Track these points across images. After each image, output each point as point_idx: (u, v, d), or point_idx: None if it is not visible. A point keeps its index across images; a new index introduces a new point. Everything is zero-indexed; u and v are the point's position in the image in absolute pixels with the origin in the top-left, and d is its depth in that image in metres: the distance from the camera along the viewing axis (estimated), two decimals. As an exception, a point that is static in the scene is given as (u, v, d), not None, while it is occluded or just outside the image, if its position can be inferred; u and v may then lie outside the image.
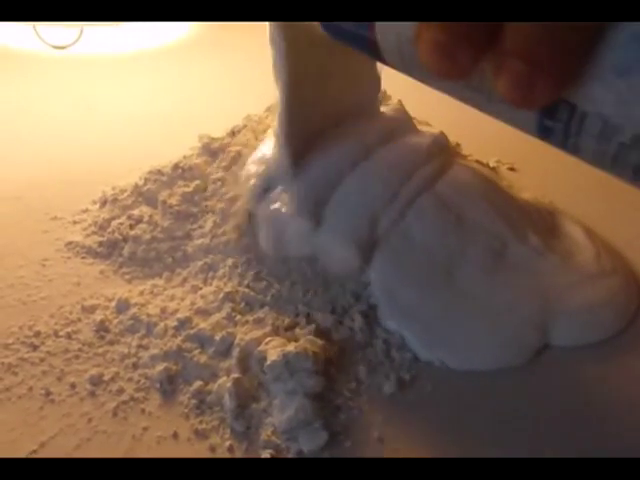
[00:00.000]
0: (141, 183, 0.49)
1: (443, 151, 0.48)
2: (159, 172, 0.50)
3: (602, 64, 0.27)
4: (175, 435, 0.35)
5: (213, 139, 0.51)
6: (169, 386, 0.37)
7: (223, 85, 0.67)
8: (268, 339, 0.38)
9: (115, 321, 0.41)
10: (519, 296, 0.41)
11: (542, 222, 0.46)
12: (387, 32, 0.32)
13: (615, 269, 0.43)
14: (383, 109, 0.50)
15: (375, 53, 0.34)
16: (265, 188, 0.45)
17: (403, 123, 0.49)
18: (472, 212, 0.44)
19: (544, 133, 0.30)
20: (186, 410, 0.36)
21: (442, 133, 0.49)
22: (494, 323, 0.40)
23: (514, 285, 0.41)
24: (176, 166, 0.50)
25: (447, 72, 0.28)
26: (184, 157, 0.50)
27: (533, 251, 0.43)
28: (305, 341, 0.37)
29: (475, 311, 0.40)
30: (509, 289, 0.41)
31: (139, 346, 0.39)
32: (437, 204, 0.44)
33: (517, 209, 0.46)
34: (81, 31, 0.74)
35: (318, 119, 0.45)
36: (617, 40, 0.26)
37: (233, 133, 0.52)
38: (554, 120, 0.29)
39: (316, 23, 0.36)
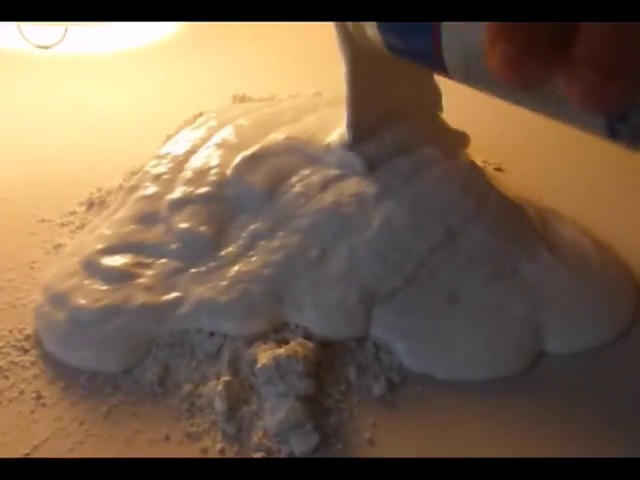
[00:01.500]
0: (125, 184, 0.50)
1: (478, 183, 0.46)
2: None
3: None
4: (167, 438, 0.35)
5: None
6: (160, 389, 0.37)
7: (208, 84, 0.67)
8: (258, 342, 0.38)
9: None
10: (518, 306, 0.40)
11: (544, 230, 0.45)
12: (454, 50, 0.34)
13: (620, 274, 0.43)
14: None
15: (439, 69, 0.36)
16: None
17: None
18: (489, 248, 0.42)
19: (614, 135, 0.31)
20: (177, 413, 0.36)
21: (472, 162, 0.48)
22: (489, 333, 0.39)
23: (516, 297, 0.41)
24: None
25: (519, 84, 0.30)
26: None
27: (543, 266, 0.42)
28: (295, 344, 0.37)
29: (470, 322, 0.40)
30: (510, 301, 0.41)
31: (130, 349, 0.39)
32: (452, 254, 0.42)
33: (528, 226, 0.45)
34: (65, 30, 0.73)
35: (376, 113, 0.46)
36: None
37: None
38: (625, 124, 0.30)
39: (379, 45, 0.39)
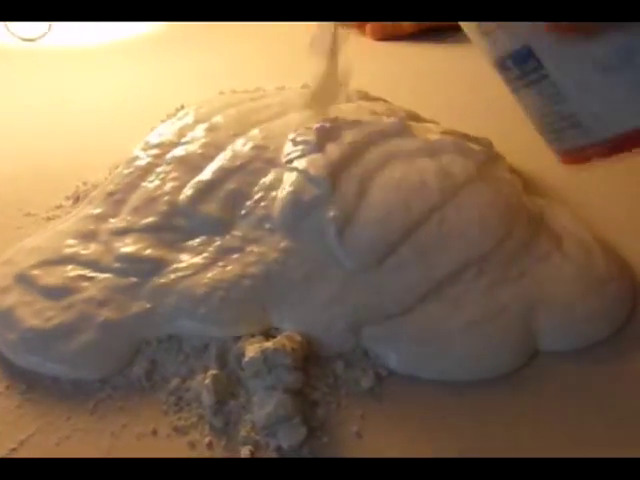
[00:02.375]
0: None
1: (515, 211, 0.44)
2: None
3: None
4: (154, 432, 0.35)
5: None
6: (147, 383, 0.37)
7: (195, 77, 0.67)
8: (246, 336, 0.38)
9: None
10: (516, 305, 0.40)
11: (547, 229, 0.45)
12: None
13: (621, 272, 0.43)
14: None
15: None
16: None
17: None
18: (502, 262, 0.42)
19: (501, 67, 0.33)
20: (165, 407, 0.36)
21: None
22: (485, 334, 0.39)
23: (515, 296, 0.40)
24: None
25: None
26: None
27: (548, 265, 0.42)
28: (283, 337, 0.37)
29: (467, 324, 0.39)
30: (509, 300, 0.40)
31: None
32: (460, 273, 0.41)
33: (535, 225, 0.44)
34: (50, 24, 0.73)
35: None
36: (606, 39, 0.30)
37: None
38: (519, 67, 0.32)
39: None
